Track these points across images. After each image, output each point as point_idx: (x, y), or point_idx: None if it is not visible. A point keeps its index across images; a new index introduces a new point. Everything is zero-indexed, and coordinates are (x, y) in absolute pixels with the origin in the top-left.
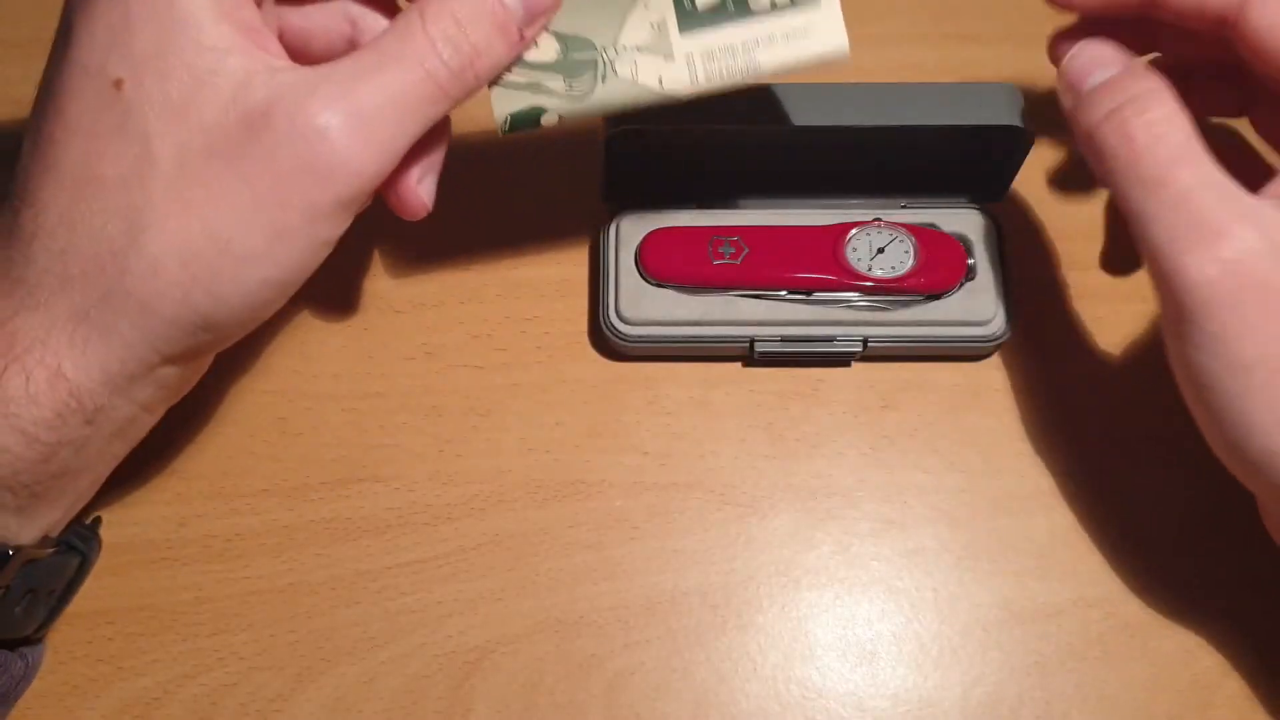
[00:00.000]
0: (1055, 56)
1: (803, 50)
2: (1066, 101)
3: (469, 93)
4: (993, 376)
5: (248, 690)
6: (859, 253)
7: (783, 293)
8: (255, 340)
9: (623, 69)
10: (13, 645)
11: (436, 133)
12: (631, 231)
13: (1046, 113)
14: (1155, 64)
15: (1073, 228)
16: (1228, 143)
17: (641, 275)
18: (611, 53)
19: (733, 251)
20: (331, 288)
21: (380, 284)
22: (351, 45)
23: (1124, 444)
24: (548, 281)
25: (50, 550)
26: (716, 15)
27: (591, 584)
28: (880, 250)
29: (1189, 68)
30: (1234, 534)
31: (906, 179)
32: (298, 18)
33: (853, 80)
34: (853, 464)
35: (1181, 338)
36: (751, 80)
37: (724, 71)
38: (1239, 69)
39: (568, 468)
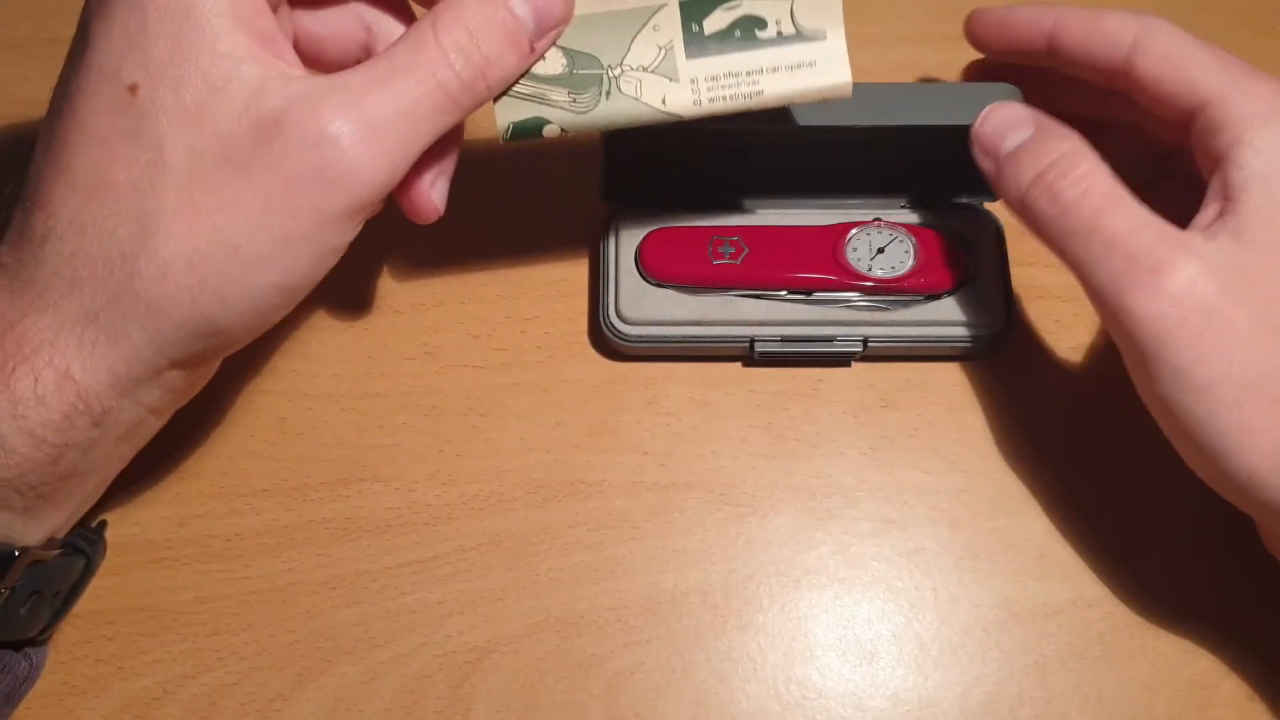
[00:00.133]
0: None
1: (806, 82)
2: (986, 166)
3: (480, 103)
4: (993, 376)
5: (248, 690)
6: (859, 253)
7: (783, 293)
8: (256, 340)
9: (627, 87)
10: (17, 646)
11: (449, 138)
12: (631, 231)
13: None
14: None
15: None
16: (1150, 185)
17: (641, 275)
18: (617, 70)
19: (733, 251)
20: (332, 288)
21: (380, 284)
22: (366, 50)
23: (1124, 444)
24: (548, 281)
25: (56, 552)
26: (723, 41)
27: (591, 584)
28: (880, 250)
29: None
30: (1234, 534)
31: (907, 179)
32: (313, 23)
33: (854, 79)
34: (853, 464)
35: (1145, 375)
36: (753, 107)
37: (727, 97)
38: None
39: (568, 468)
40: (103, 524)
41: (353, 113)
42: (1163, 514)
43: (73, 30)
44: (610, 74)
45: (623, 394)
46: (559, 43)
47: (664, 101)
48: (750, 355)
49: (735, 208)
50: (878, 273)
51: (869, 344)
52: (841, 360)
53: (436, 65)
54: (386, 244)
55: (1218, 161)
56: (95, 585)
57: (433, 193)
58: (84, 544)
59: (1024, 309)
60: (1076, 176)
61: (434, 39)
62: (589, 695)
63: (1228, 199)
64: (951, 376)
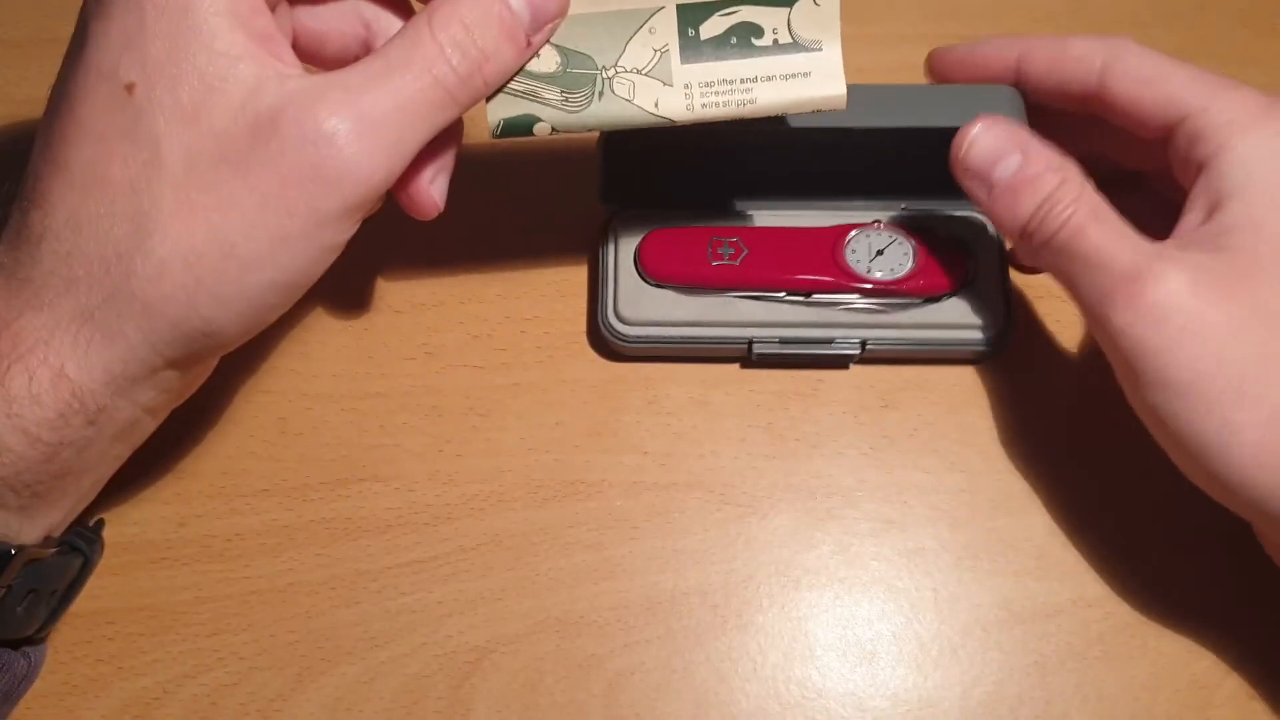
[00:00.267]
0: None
1: (800, 92)
2: (979, 192)
3: (477, 98)
4: (993, 376)
5: (248, 690)
6: (858, 255)
7: (782, 294)
8: (256, 340)
9: (620, 88)
10: (15, 645)
11: (449, 134)
12: (631, 232)
13: (1047, 115)
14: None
15: None
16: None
17: (640, 276)
18: (611, 71)
19: (732, 252)
20: (331, 288)
21: (380, 284)
22: (365, 46)
23: (1124, 444)
24: (548, 281)
25: (52, 550)
26: (719, 47)
27: (591, 584)
28: (880, 252)
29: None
30: (1234, 534)
31: (907, 181)
32: (312, 20)
33: (853, 81)
34: (853, 464)
35: (1130, 382)
36: (746, 115)
37: (720, 103)
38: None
39: (568, 468)
40: (100, 523)
41: (349, 110)
42: (1163, 514)
43: (72, 30)
44: (604, 75)
45: (623, 394)
46: (554, 41)
47: (656, 105)
48: (749, 357)
49: (735, 209)
50: (877, 275)
51: (867, 346)
52: (840, 363)
53: (433, 61)
54: (386, 244)
55: (1199, 170)
56: (95, 585)
57: (432, 189)
58: (81, 543)
59: (1024, 309)
60: (1064, 205)
61: (430, 34)
62: (589, 695)
63: (1210, 206)
64: (951, 376)
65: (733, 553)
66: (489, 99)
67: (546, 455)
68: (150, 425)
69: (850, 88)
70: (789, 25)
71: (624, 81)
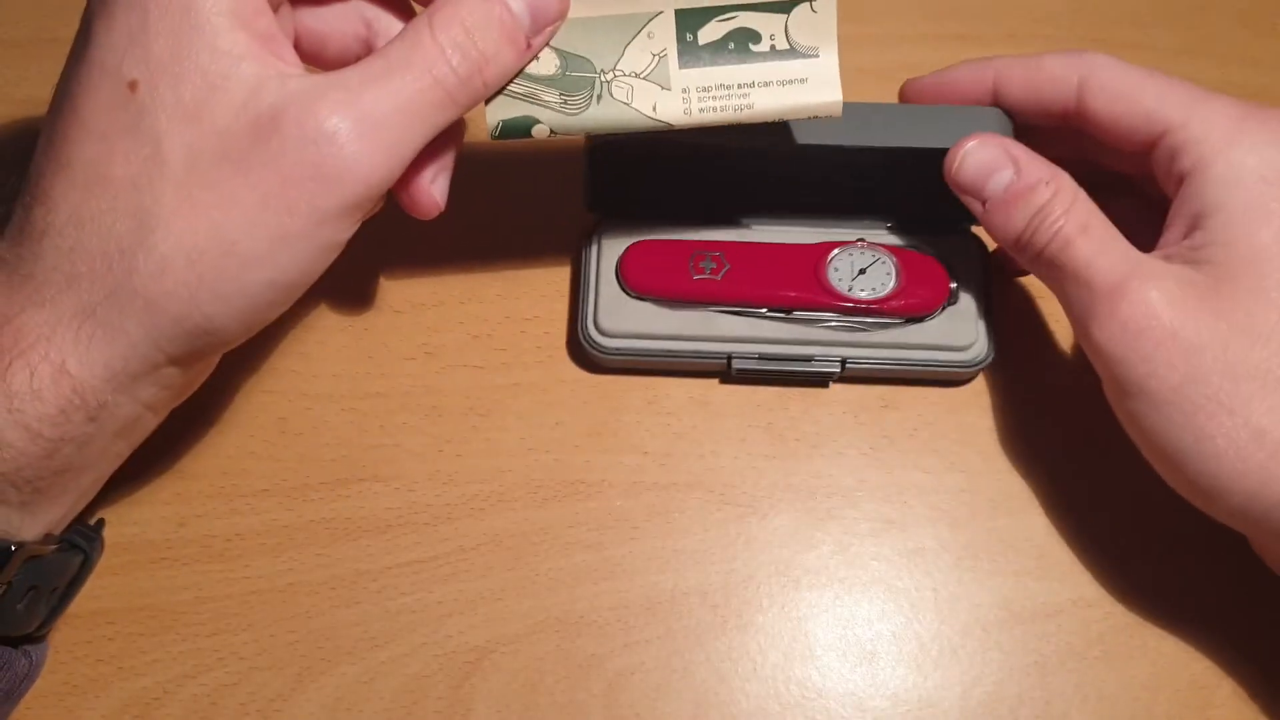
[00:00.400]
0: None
1: (797, 98)
2: (974, 206)
3: (477, 100)
4: (993, 377)
5: (248, 690)
6: (840, 273)
7: (763, 310)
8: (256, 340)
9: (619, 92)
10: (16, 643)
11: (449, 135)
12: (614, 242)
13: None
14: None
15: None
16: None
17: (621, 287)
18: (609, 75)
19: (714, 267)
20: (331, 287)
21: (380, 284)
22: (367, 47)
23: (1125, 443)
24: (548, 281)
25: (53, 547)
26: (717, 52)
27: (591, 584)
28: (862, 271)
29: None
30: (1233, 535)
31: (893, 200)
32: (313, 20)
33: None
34: (853, 464)
35: (1115, 396)
36: (743, 119)
37: (717, 108)
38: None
39: (568, 468)
40: (101, 522)
41: (350, 110)
42: (1163, 514)
43: (73, 30)
44: (603, 78)
45: (623, 394)
46: (553, 44)
47: (654, 109)
48: (728, 372)
49: (719, 222)
50: (858, 294)
51: (847, 365)
52: (819, 381)
53: (433, 62)
54: (386, 244)
55: (1179, 183)
56: (95, 585)
57: (433, 188)
58: (81, 540)
59: (1025, 308)
60: (1054, 218)
61: (430, 35)
62: (589, 695)
63: (1190, 222)
64: None
65: (733, 553)
66: (488, 100)
67: (546, 455)
68: (151, 422)
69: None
70: (786, 31)
71: (622, 85)
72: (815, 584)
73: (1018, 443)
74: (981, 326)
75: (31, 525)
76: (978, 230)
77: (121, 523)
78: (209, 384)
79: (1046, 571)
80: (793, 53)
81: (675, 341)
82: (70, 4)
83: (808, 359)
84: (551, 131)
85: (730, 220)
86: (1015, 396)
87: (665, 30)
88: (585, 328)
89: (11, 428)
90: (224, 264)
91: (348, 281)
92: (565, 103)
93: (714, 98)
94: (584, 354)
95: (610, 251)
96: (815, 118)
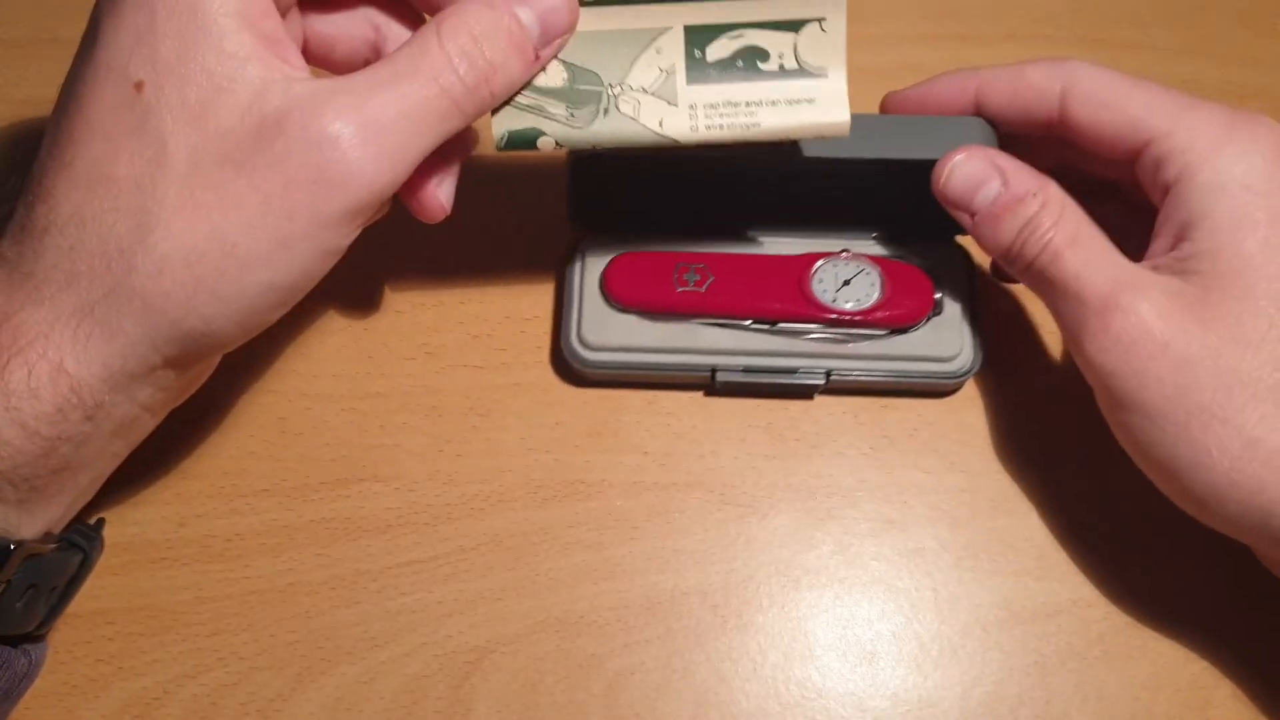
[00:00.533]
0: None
1: (804, 118)
2: (963, 219)
3: (483, 109)
4: (993, 376)
5: (248, 690)
6: (824, 284)
7: (747, 322)
8: (256, 339)
9: (625, 106)
10: (15, 642)
11: (457, 141)
12: (597, 255)
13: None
14: None
15: None
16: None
17: (605, 300)
18: (617, 89)
19: (698, 279)
20: (332, 288)
21: (380, 284)
22: (375, 50)
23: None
24: (549, 281)
25: (52, 546)
26: (725, 70)
27: (591, 584)
28: (846, 282)
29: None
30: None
31: (877, 211)
32: (322, 23)
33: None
34: (853, 464)
35: (1109, 410)
36: (750, 138)
37: (724, 125)
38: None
39: (568, 468)
40: (100, 521)
41: (354, 115)
42: (1163, 514)
43: (73, 30)
44: (610, 92)
45: (623, 394)
46: (561, 56)
47: (661, 124)
48: (712, 384)
49: (703, 234)
50: (843, 305)
51: (832, 376)
52: (804, 393)
53: (440, 70)
54: (387, 244)
55: (1165, 192)
56: (95, 585)
57: (439, 192)
58: (81, 539)
59: (1025, 308)
60: (1043, 230)
61: (438, 44)
62: (589, 695)
63: (1177, 232)
64: None
65: (733, 553)
66: (495, 111)
67: (546, 455)
68: (149, 423)
69: None
70: (795, 50)
71: (629, 100)
72: (815, 584)
73: (1018, 443)
74: (967, 337)
75: (30, 524)
76: (964, 240)
77: (121, 523)
78: (209, 384)
79: (1046, 571)
80: (801, 72)
81: (659, 354)
82: (70, 4)
83: (792, 371)
84: (557, 144)
85: (714, 232)
86: (1015, 397)
87: (674, 46)
88: (569, 341)
89: (8, 426)
90: (223, 266)
91: (348, 281)
92: (572, 116)
93: (721, 115)
94: (568, 367)
95: (594, 264)
96: (822, 137)
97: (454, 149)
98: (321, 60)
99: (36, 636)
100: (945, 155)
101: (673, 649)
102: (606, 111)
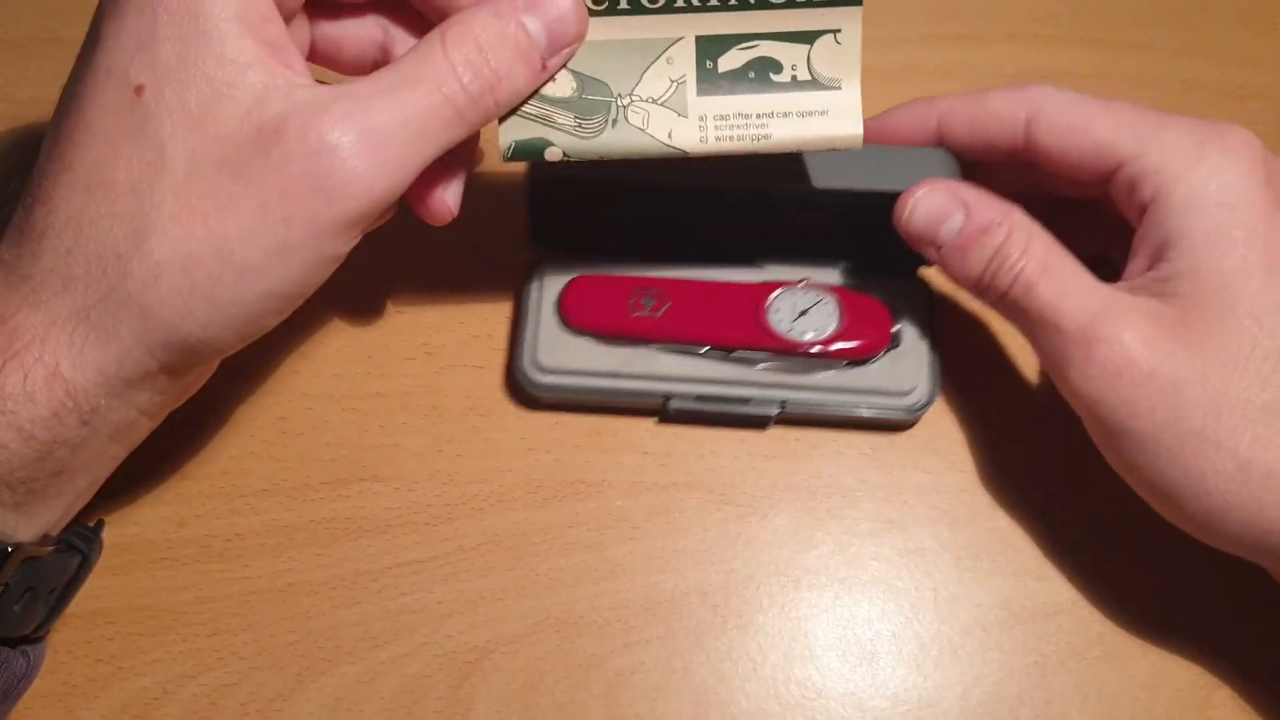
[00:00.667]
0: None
1: (816, 130)
2: (929, 253)
3: (488, 118)
4: (993, 377)
5: (248, 690)
6: (781, 314)
7: (703, 349)
8: (255, 341)
9: (635, 117)
10: (14, 644)
11: (464, 147)
12: (555, 277)
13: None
14: None
15: None
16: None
17: (561, 322)
18: (626, 100)
19: (654, 304)
20: (332, 288)
21: (380, 284)
22: (383, 52)
23: None
24: None
25: (50, 549)
26: (737, 81)
27: (591, 584)
28: (803, 313)
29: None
30: None
31: (838, 241)
32: (329, 26)
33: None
34: (853, 464)
35: (1100, 439)
36: (760, 149)
37: (734, 137)
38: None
39: (568, 468)
40: (100, 523)
41: (355, 123)
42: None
43: (74, 31)
44: (619, 102)
45: None
46: (570, 66)
47: (670, 136)
48: (665, 412)
49: (663, 258)
50: (799, 336)
51: (786, 407)
52: (759, 423)
53: (443, 78)
54: (387, 244)
55: (1141, 213)
56: (95, 585)
57: (446, 196)
58: (79, 542)
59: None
60: (1013, 260)
61: (442, 51)
62: (589, 695)
63: (1154, 253)
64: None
65: (733, 553)
66: (501, 120)
67: (546, 455)
68: (147, 427)
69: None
70: (809, 62)
71: (639, 110)
72: (815, 584)
73: (1017, 442)
74: (924, 371)
75: (27, 526)
76: (928, 271)
77: (121, 523)
78: (209, 384)
79: (1046, 571)
80: (814, 84)
81: (613, 379)
82: (70, 4)
83: (746, 401)
84: (564, 154)
85: (674, 257)
86: (1016, 396)
87: (685, 56)
88: (522, 363)
89: (4, 429)
90: (220, 272)
91: (349, 282)
92: (580, 126)
93: (731, 127)
94: (521, 390)
95: (552, 285)
96: (834, 150)
97: (461, 153)
98: (328, 62)
99: (35, 638)
100: (906, 191)
101: (673, 649)
102: (615, 122)
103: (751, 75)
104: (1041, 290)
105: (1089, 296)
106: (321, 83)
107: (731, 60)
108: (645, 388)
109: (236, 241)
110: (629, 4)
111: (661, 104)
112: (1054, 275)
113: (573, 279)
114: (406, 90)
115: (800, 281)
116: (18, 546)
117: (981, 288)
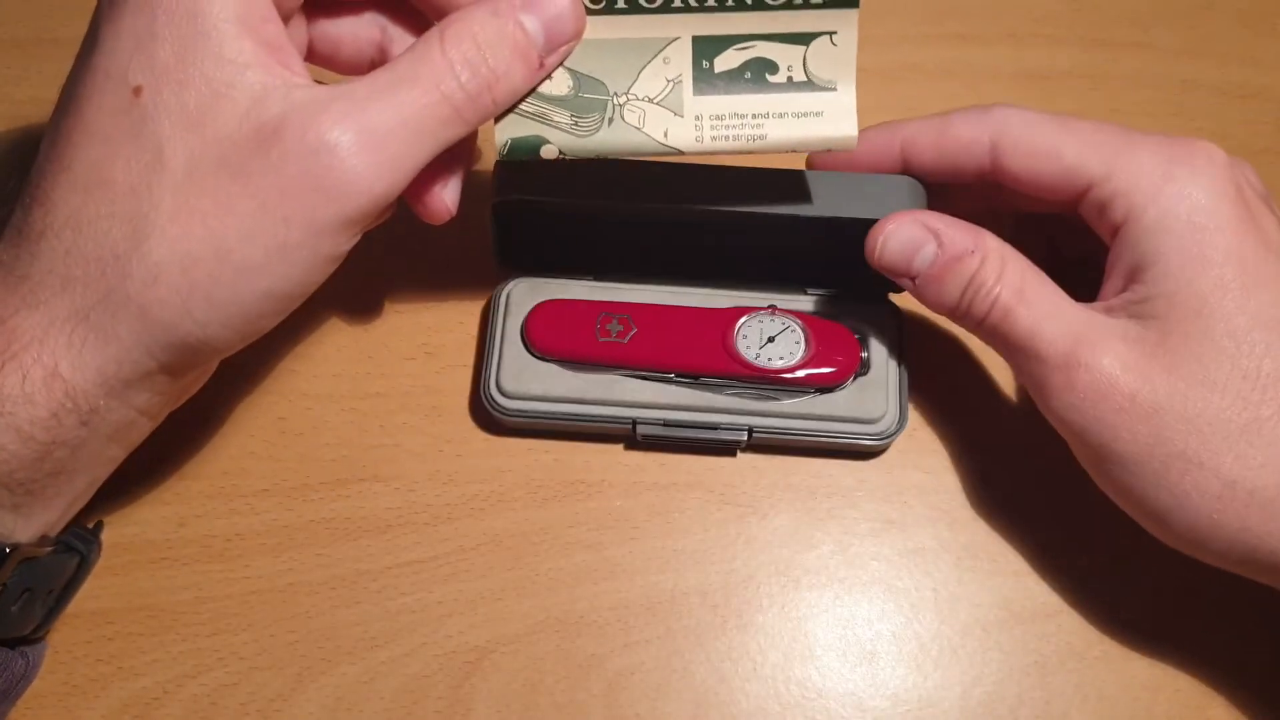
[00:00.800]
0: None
1: (811, 131)
2: (905, 284)
3: (485, 117)
4: (993, 376)
5: (248, 690)
6: (748, 340)
7: (671, 375)
8: (256, 340)
9: (630, 116)
10: (12, 644)
11: (463, 145)
12: (522, 300)
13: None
14: None
15: None
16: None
17: (526, 347)
18: (622, 99)
19: (620, 330)
20: (332, 288)
21: (380, 284)
22: (381, 52)
23: None
24: None
25: (48, 550)
26: (733, 81)
27: (591, 584)
28: (771, 339)
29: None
30: None
31: (808, 267)
32: (328, 26)
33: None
34: (853, 464)
35: (1085, 462)
36: (754, 150)
37: (729, 137)
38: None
39: (568, 468)
40: (99, 524)
41: (353, 122)
42: None
43: (73, 30)
44: (615, 101)
45: None
46: (567, 64)
47: (666, 135)
48: (633, 438)
49: (631, 283)
50: (766, 362)
51: (754, 434)
52: (727, 449)
53: (441, 77)
54: (387, 244)
55: (1113, 234)
56: (95, 585)
57: (445, 195)
58: (78, 542)
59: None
60: (988, 287)
61: (440, 50)
62: (589, 695)
63: (1128, 274)
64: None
65: (733, 553)
66: (498, 118)
67: (546, 455)
68: (146, 427)
69: (753, 171)
70: (804, 63)
71: (635, 109)
72: (815, 584)
73: (1018, 442)
74: (893, 398)
75: (26, 527)
76: (899, 296)
77: (121, 523)
78: (209, 384)
79: (1046, 572)
80: (810, 85)
81: (579, 405)
82: (70, 4)
83: (714, 427)
84: (560, 152)
85: (642, 281)
86: (1015, 396)
87: (681, 56)
88: (487, 388)
89: (3, 430)
90: (219, 272)
91: (349, 281)
92: (576, 124)
93: (727, 127)
94: (486, 414)
95: (518, 310)
96: (829, 151)
97: (459, 152)
98: (327, 61)
99: (34, 639)
100: (875, 227)
101: (673, 649)
102: (611, 121)
103: (747, 76)
104: (1019, 317)
105: (1067, 321)
106: (320, 83)
107: (728, 60)
108: (612, 414)
109: (236, 241)
110: (626, 3)
111: (657, 103)
112: (1029, 300)
113: (538, 304)
114: (404, 89)
115: (769, 307)
116: (16, 547)
117: (959, 314)
